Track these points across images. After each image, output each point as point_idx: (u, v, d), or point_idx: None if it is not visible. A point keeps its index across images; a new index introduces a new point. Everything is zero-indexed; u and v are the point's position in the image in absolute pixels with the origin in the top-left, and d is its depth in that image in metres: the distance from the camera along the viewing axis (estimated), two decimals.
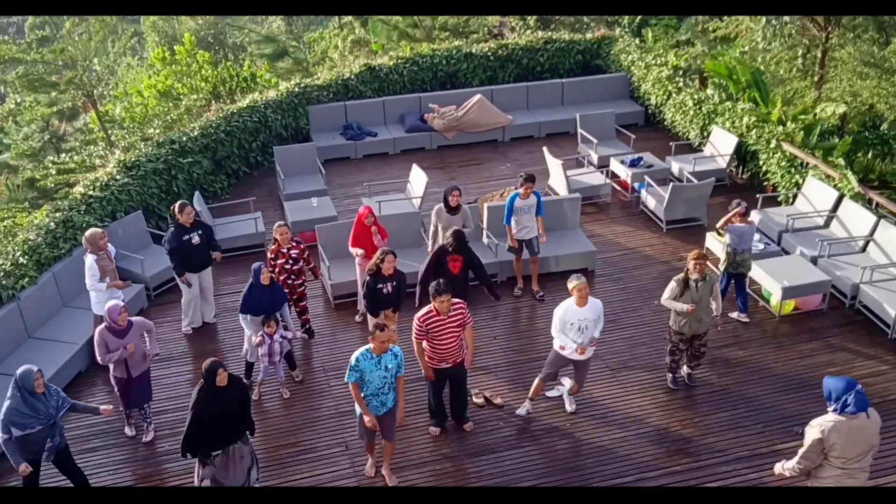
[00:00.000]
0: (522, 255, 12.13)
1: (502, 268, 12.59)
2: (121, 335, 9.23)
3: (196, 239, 11.09)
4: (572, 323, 9.14)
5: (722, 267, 11.36)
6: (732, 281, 11.38)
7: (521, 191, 11.73)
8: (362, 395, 8.38)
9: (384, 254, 9.99)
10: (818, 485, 7.22)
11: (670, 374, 10.24)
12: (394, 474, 9.06)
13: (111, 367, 9.41)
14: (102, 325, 9.27)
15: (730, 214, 11.07)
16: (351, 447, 9.49)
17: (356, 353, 8.32)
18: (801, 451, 7.19)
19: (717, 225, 11.28)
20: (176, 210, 11.06)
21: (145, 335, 9.54)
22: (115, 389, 9.66)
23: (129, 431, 9.90)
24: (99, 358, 9.35)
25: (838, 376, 7.26)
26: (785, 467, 7.38)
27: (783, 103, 15.54)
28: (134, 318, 9.49)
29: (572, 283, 9.06)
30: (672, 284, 9.53)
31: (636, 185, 14.93)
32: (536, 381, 9.77)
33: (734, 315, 11.51)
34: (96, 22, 22.43)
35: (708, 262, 9.41)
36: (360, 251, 11.17)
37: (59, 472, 8.77)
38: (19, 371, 8.11)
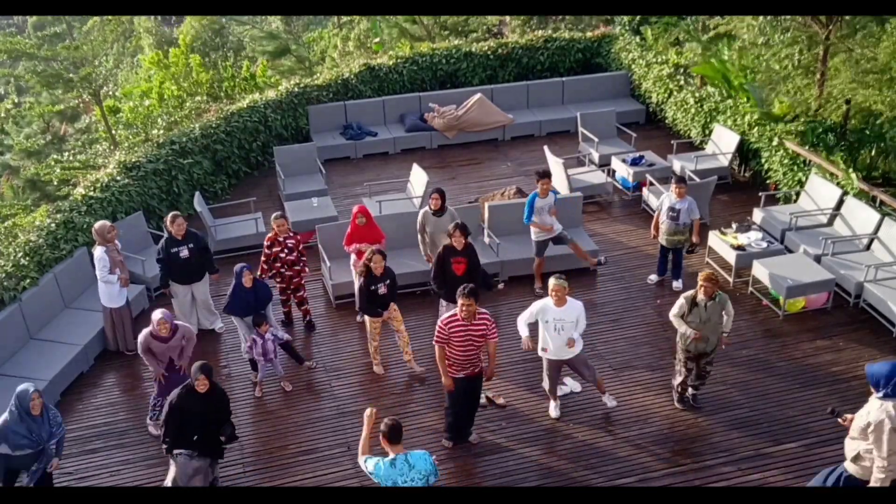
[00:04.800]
0: (545, 254, 12.10)
1: (504, 267, 12.55)
2: (164, 340, 9.25)
3: (185, 252, 10.99)
4: (547, 321, 9.15)
5: (666, 243, 11.96)
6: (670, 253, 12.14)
7: (538, 189, 11.68)
8: None
9: (372, 253, 9.98)
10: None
11: (676, 395, 10.01)
12: None
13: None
14: (147, 330, 9.26)
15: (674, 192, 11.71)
16: (353, 448, 9.45)
17: (372, 469, 6.91)
18: (884, 452, 7.10)
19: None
20: (168, 221, 11.00)
21: (184, 342, 9.49)
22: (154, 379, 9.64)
23: (153, 430, 9.91)
24: (140, 351, 9.39)
25: (880, 362, 7.28)
26: (877, 477, 7.24)
27: (782, 101, 15.46)
28: (179, 324, 9.42)
29: (550, 283, 9.07)
30: (681, 301, 9.29)
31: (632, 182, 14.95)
32: (547, 389, 9.82)
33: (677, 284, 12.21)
34: (112, 21, 22.48)
35: (718, 282, 9.26)
36: (357, 247, 11.20)
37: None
38: (18, 389, 8.01)
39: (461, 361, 8.82)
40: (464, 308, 8.54)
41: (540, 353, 9.49)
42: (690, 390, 9.91)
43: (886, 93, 13.94)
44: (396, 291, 10.40)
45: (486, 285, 10.77)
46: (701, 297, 9.12)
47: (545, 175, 11.74)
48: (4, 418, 8.00)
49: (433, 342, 8.87)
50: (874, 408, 7.17)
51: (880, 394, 7.10)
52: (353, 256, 11.38)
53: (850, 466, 7.50)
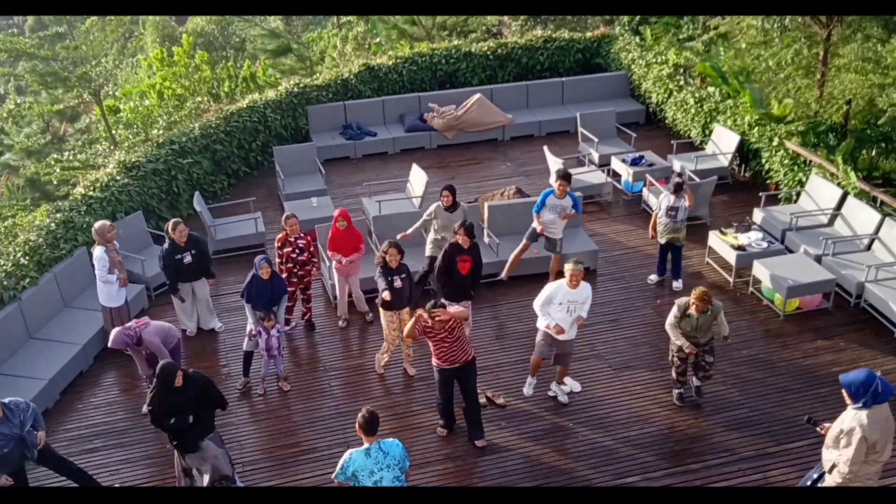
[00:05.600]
0: (531, 247, 12.06)
1: (504, 267, 12.52)
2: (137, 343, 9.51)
3: (188, 258, 11.01)
4: (560, 303, 9.27)
5: (665, 241, 11.93)
6: (669, 252, 12.12)
7: (556, 189, 11.62)
8: None
9: (388, 245, 10.05)
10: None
11: (676, 391, 10.00)
12: None
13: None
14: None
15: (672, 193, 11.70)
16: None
17: (346, 461, 7.18)
18: (847, 458, 7.05)
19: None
20: (169, 228, 10.97)
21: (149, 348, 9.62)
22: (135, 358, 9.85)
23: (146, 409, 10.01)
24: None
25: (854, 371, 7.18)
26: (833, 479, 7.23)
27: (783, 101, 15.46)
28: (144, 338, 9.47)
29: (569, 266, 9.22)
30: (674, 309, 9.35)
31: (633, 183, 14.93)
32: (532, 359, 9.93)
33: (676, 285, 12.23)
34: (113, 21, 22.45)
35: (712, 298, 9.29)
36: (338, 256, 11.26)
37: (58, 473, 8.73)
38: None
39: (446, 356, 9.04)
40: (437, 322, 8.84)
41: (539, 326, 9.54)
42: (694, 381, 9.92)
43: (873, 78, 13.98)
44: (414, 290, 10.42)
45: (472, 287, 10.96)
46: (692, 311, 9.23)
47: (563, 176, 11.65)
48: None
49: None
50: (848, 417, 7.09)
51: (859, 404, 6.98)
52: (334, 262, 11.42)
53: (829, 478, 7.39)
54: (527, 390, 10.10)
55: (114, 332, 9.51)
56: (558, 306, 9.30)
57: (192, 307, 11.49)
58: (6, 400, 8.23)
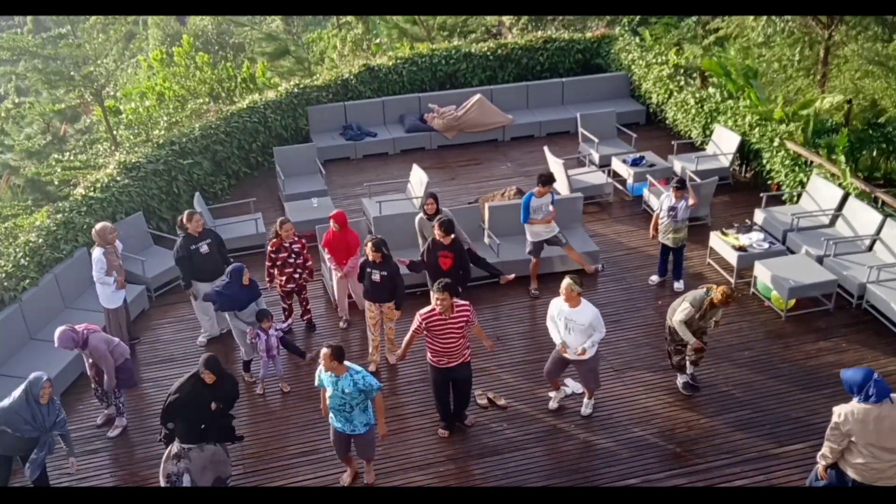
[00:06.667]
0: (541, 255, 12.07)
1: (504, 268, 12.49)
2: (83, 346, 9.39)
3: (204, 248, 10.93)
4: (560, 319, 9.19)
5: (670, 242, 11.84)
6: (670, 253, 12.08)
7: (535, 190, 11.64)
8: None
9: (369, 240, 10.15)
10: (849, 470, 7.40)
11: (680, 380, 10.05)
12: (396, 476, 9.06)
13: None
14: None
15: (673, 194, 11.62)
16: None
17: (363, 383, 8.19)
18: (826, 435, 7.40)
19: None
20: (184, 219, 10.91)
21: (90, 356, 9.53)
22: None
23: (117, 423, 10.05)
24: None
25: (854, 368, 7.38)
26: (818, 457, 7.60)
27: (785, 102, 15.47)
28: (91, 342, 9.32)
29: (563, 284, 9.07)
30: (689, 308, 9.31)
31: (635, 184, 14.91)
32: (545, 374, 9.89)
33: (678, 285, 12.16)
34: (116, 22, 22.41)
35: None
36: (333, 262, 11.33)
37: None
38: (32, 375, 8.17)
39: (442, 352, 9.00)
40: (439, 302, 8.72)
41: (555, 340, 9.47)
42: (690, 367, 9.95)
43: (891, 82, 13.97)
44: (396, 290, 10.36)
45: (492, 273, 11.35)
46: (716, 308, 9.27)
47: (548, 182, 11.66)
48: (11, 400, 8.11)
49: (410, 328, 9.04)
50: (846, 404, 7.37)
51: (854, 400, 7.28)
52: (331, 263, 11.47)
53: (842, 465, 7.55)
54: (552, 404, 10.00)
55: (60, 329, 9.19)
56: (558, 321, 9.22)
57: (212, 309, 11.41)
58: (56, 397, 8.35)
